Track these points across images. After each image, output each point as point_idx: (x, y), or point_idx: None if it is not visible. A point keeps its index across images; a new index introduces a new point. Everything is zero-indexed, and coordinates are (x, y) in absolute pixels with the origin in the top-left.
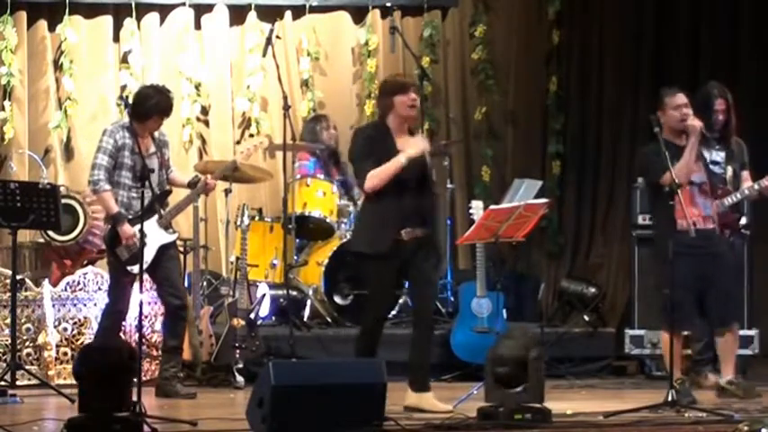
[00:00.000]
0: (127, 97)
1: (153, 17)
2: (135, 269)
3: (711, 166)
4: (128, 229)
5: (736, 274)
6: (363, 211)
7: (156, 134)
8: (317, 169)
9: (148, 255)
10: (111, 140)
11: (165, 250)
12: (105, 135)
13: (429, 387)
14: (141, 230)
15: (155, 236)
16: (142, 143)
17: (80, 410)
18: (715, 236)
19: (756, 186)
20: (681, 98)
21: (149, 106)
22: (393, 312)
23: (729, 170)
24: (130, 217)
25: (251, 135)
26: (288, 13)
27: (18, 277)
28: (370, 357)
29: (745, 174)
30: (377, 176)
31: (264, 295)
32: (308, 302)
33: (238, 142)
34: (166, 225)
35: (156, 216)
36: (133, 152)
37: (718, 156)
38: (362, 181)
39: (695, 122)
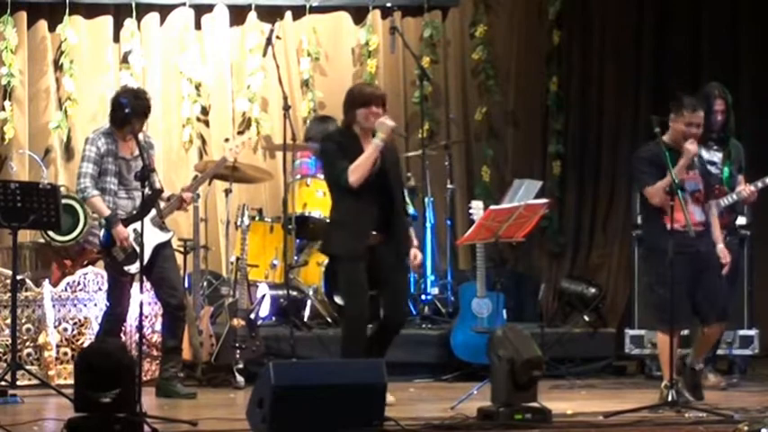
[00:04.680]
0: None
1: (153, 17)
2: (132, 269)
3: (708, 166)
4: (122, 231)
5: (733, 274)
6: (336, 213)
7: (141, 136)
8: (318, 169)
9: (144, 255)
10: (94, 148)
11: (160, 250)
12: (87, 143)
13: None
14: (141, 230)
15: (149, 236)
16: (126, 147)
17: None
18: (705, 235)
19: (752, 188)
20: (698, 118)
21: (126, 113)
22: None
23: (726, 171)
24: (124, 218)
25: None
26: (288, 14)
27: (18, 277)
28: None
29: (741, 177)
30: (358, 168)
31: (265, 295)
32: (309, 302)
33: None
34: (160, 224)
35: (149, 216)
36: (117, 157)
37: (716, 156)
38: (341, 179)
39: (692, 147)
